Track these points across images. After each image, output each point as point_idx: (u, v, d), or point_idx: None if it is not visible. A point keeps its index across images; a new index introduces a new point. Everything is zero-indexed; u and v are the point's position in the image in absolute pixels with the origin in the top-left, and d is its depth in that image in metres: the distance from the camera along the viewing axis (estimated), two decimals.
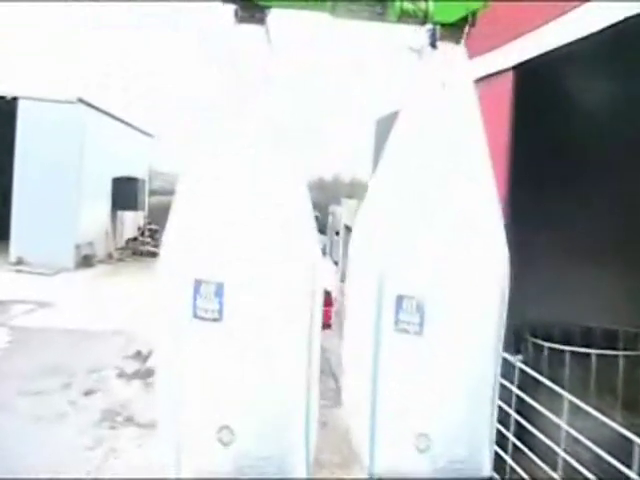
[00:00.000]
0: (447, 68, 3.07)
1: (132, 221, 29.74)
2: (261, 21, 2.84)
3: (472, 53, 3.19)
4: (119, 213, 27.84)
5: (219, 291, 2.78)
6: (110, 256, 26.04)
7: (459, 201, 3.02)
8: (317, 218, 3.14)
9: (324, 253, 16.32)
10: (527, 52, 6.42)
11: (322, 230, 21.21)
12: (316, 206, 3.21)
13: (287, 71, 3.10)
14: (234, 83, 2.84)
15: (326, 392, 3.62)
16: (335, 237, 19.53)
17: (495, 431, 3.19)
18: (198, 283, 2.80)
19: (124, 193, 26.76)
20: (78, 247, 23.00)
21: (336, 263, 17.91)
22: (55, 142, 22.35)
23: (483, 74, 6.99)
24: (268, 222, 2.82)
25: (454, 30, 3.08)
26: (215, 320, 2.79)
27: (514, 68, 6.67)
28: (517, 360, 6.95)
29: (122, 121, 28.72)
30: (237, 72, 2.84)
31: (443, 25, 3.07)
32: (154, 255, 28.21)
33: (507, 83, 6.76)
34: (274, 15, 2.88)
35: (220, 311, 2.79)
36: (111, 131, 26.67)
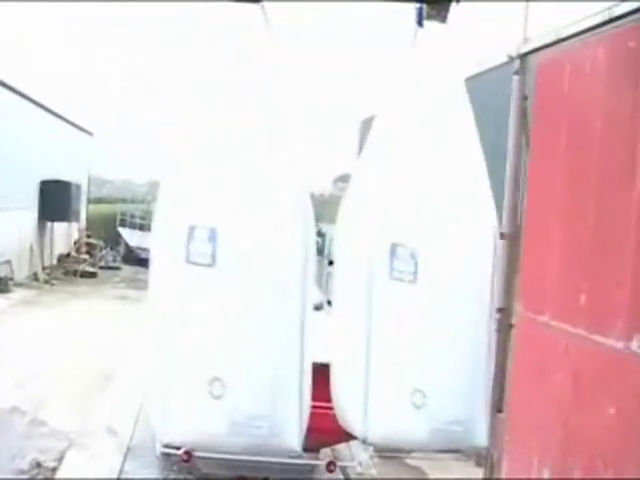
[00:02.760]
0: (435, 55, 3.24)
1: (65, 234, 24.74)
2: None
3: None
4: (48, 224, 22.85)
5: (212, 236, 2.87)
6: (35, 278, 21.04)
7: (448, 161, 3.17)
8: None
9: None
10: None
11: None
12: None
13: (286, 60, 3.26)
14: (233, 70, 3.03)
15: None
16: (328, 268, 14.66)
17: (490, 397, 3.26)
18: (192, 228, 2.88)
19: (55, 200, 21.81)
20: None
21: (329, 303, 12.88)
22: None
23: None
24: (261, 169, 2.95)
25: (440, 9, 3.25)
26: (208, 265, 2.87)
27: None
28: None
29: (55, 114, 23.83)
30: (235, 60, 3.01)
31: (429, 3, 3.25)
32: (92, 276, 23.31)
33: None
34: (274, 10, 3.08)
35: (213, 256, 2.88)
36: (40, 124, 21.78)
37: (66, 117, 25.11)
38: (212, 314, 2.86)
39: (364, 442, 3.03)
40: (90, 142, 29.63)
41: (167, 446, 2.87)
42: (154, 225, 3.07)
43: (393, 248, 3.03)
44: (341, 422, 3.16)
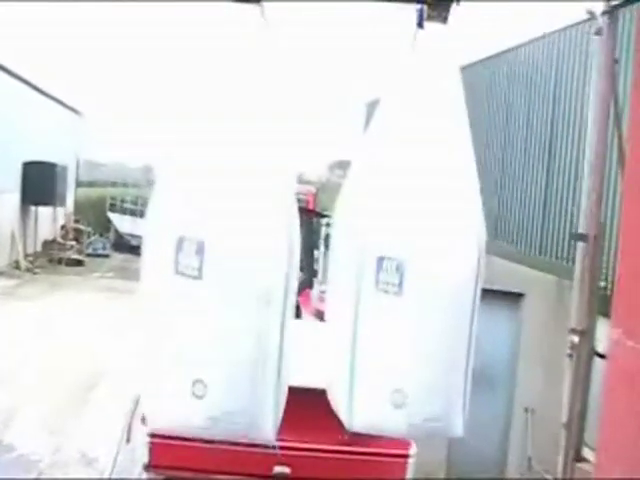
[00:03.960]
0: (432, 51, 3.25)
1: (51, 219, 23.30)
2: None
3: None
4: (32, 208, 21.43)
5: (200, 249, 2.98)
6: (16, 266, 19.64)
7: (438, 172, 3.21)
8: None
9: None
10: None
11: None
12: None
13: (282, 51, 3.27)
14: (230, 61, 3.09)
15: None
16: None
17: (468, 395, 3.33)
18: (181, 240, 3.00)
19: (39, 183, 20.38)
20: None
21: None
22: None
23: None
24: (249, 185, 3.05)
25: (441, 9, 3.23)
26: (195, 278, 2.99)
27: None
28: None
29: (40, 91, 22.35)
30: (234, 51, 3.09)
31: (430, 4, 3.22)
32: (79, 264, 21.92)
33: None
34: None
35: (200, 269, 2.99)
36: (23, 102, 20.30)
37: (52, 94, 23.62)
38: (197, 322, 3.05)
39: (349, 429, 3.27)
40: (79, 122, 28.14)
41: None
42: (145, 235, 3.20)
43: (379, 260, 3.17)
44: (334, 409, 3.38)
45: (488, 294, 7.39)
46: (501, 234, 11.07)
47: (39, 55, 32.25)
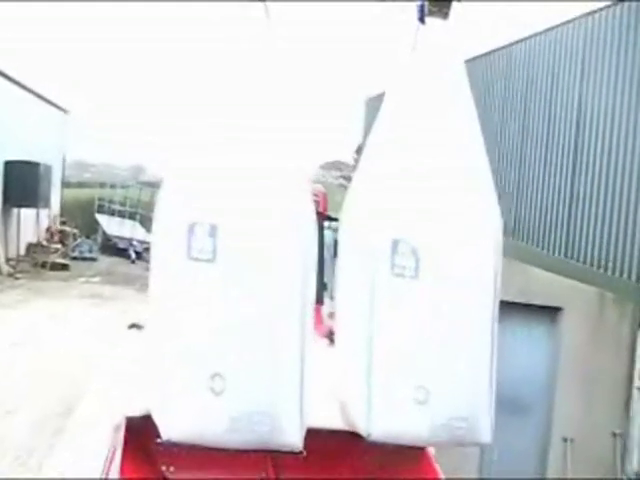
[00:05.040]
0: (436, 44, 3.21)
1: (35, 221, 22.27)
2: None
3: None
4: (15, 210, 20.40)
5: (212, 232, 2.89)
6: None
7: (451, 155, 3.14)
8: None
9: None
10: None
11: None
12: None
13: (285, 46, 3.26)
14: (234, 67, 3.04)
15: None
16: None
17: (494, 394, 3.08)
18: (193, 224, 2.89)
19: (21, 183, 19.38)
20: None
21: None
22: None
23: None
24: (262, 167, 2.97)
25: (442, 5, 3.23)
26: (209, 261, 2.87)
27: None
28: None
29: (24, 87, 21.36)
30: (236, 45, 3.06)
31: (431, 0, 3.23)
32: (63, 268, 20.91)
33: None
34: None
35: (214, 252, 2.88)
36: (4, 98, 19.31)
37: (36, 91, 22.62)
38: (213, 309, 2.87)
39: (368, 438, 2.98)
40: (66, 121, 27.10)
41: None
42: (155, 221, 3.06)
43: (395, 244, 3.06)
44: (343, 418, 3.17)
45: (522, 309, 6.48)
46: (521, 234, 10.24)
47: (29, 53, 31.44)
